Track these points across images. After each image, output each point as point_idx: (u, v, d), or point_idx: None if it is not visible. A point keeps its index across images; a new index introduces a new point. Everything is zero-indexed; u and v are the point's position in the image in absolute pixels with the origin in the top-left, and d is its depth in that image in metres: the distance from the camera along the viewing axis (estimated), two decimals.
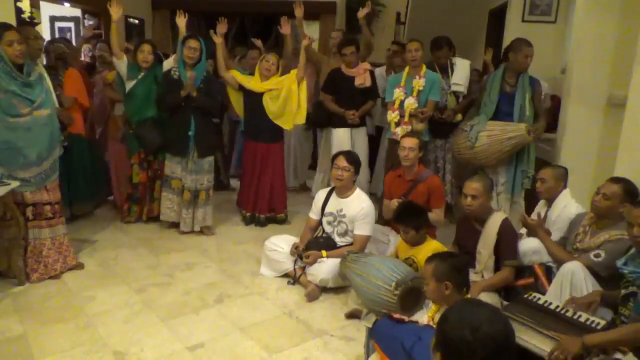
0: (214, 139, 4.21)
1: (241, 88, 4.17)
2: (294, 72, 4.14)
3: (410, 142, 3.37)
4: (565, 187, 2.99)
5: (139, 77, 3.96)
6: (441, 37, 4.27)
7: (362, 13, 4.46)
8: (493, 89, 3.71)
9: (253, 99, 4.14)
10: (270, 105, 4.11)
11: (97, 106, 4.58)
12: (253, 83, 4.13)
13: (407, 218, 2.84)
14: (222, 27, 4.24)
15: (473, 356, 1.19)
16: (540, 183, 3.00)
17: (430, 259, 2.08)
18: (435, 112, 4.20)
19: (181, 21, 4.04)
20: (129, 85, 3.97)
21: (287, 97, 4.10)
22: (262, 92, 4.11)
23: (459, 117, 4.28)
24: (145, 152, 4.05)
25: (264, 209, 4.30)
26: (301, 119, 4.25)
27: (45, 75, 3.20)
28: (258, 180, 4.24)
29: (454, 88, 4.27)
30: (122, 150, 4.40)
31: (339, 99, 4.44)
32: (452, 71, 4.28)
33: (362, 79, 4.36)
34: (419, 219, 2.86)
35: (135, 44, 4.11)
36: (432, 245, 2.83)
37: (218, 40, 4.13)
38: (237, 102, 4.30)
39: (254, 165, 4.23)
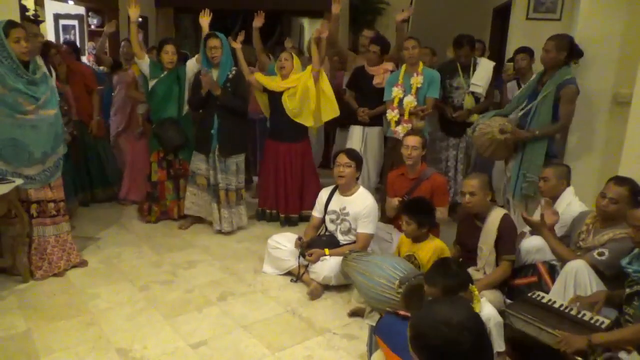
0: (239, 139, 4.06)
1: (265, 90, 4.17)
2: (309, 68, 4.09)
3: (414, 141, 3.35)
4: (568, 185, 2.98)
5: (162, 75, 3.96)
6: (463, 36, 4.20)
7: (400, 17, 4.25)
8: (527, 86, 3.51)
9: (275, 99, 4.13)
10: (288, 104, 4.08)
11: (120, 102, 4.65)
12: (274, 83, 4.12)
13: (414, 211, 2.83)
14: (258, 20, 4.21)
15: (460, 348, 1.19)
16: (543, 182, 2.98)
17: (433, 281, 2.02)
18: (448, 110, 4.18)
19: (204, 21, 3.99)
20: (152, 83, 3.98)
21: (303, 94, 4.05)
22: (282, 91, 4.09)
23: (475, 117, 4.21)
24: (164, 151, 4.06)
25: (296, 208, 4.28)
26: (333, 112, 4.15)
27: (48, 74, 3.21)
28: (284, 181, 4.21)
29: (472, 88, 4.19)
30: (139, 148, 4.48)
31: (360, 96, 4.41)
32: (474, 71, 4.22)
33: (380, 79, 4.30)
34: (425, 216, 2.85)
35: (157, 44, 4.10)
36: (435, 244, 2.82)
37: (237, 45, 4.09)
38: (264, 104, 4.29)
39: (277, 165, 4.20)
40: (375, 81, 4.31)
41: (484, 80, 4.19)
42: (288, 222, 4.27)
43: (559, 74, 3.26)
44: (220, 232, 4.01)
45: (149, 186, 4.16)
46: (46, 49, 4.11)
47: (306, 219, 4.25)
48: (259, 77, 4.17)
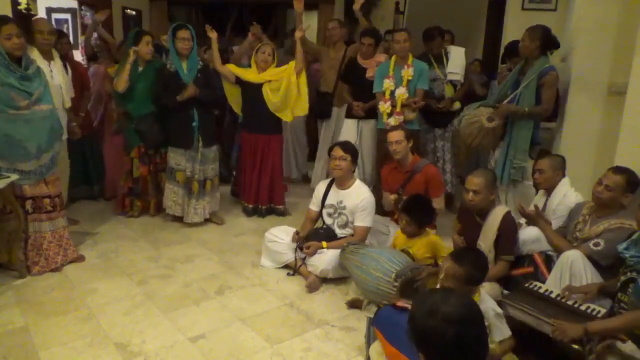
0: (214, 129, 4.18)
1: (238, 81, 4.14)
2: (292, 63, 4.09)
3: (395, 136, 3.35)
4: (564, 176, 2.99)
5: (139, 71, 3.92)
6: (433, 28, 4.25)
7: (357, 5, 4.38)
8: (510, 77, 3.60)
9: (252, 91, 4.11)
10: (271, 98, 4.08)
11: (94, 98, 4.57)
12: (250, 74, 4.10)
13: (415, 212, 2.81)
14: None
15: (444, 337, 1.24)
16: (539, 174, 2.98)
17: (461, 261, 2.01)
18: (432, 102, 4.18)
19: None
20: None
21: (287, 89, 4.07)
22: (261, 83, 4.08)
23: (457, 105, 4.26)
24: (145, 146, 4.03)
25: (265, 200, 4.31)
26: (303, 110, 4.24)
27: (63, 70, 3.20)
28: (259, 172, 4.23)
29: (450, 77, 4.25)
30: (115, 144, 4.41)
31: (354, 89, 4.40)
32: (447, 60, 4.26)
33: (373, 72, 4.27)
34: (425, 216, 2.84)
35: (133, 36, 4.00)
36: (428, 239, 2.82)
37: (213, 35, 4.05)
38: (232, 96, 4.27)
39: (255, 157, 4.21)
40: (369, 74, 4.30)
41: (459, 67, 4.26)
42: (255, 213, 4.31)
43: (538, 63, 3.39)
44: (189, 223, 4.01)
45: (131, 181, 4.10)
46: (59, 36, 4.08)
47: (276, 211, 4.34)
48: (233, 68, 4.15)
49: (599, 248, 2.45)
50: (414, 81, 3.99)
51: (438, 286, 2.09)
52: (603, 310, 2.19)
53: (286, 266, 3.30)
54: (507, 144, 3.52)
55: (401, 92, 3.94)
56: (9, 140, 2.90)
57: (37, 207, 3.11)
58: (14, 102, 2.88)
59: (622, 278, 2.18)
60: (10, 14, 3.23)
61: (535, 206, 2.92)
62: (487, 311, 2.07)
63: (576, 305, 2.24)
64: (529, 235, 2.77)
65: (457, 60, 4.26)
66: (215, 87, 4.05)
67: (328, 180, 3.43)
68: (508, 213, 2.73)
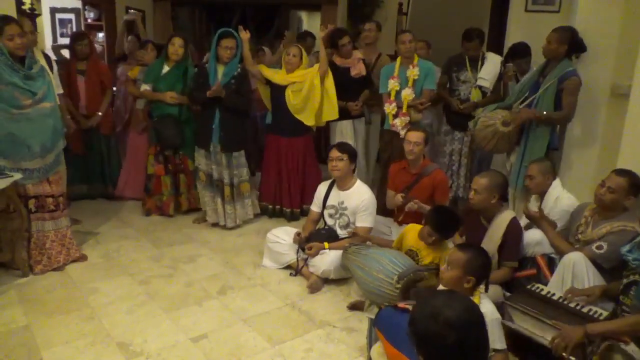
0: (240, 135, 4.04)
1: (268, 82, 4.13)
2: (316, 66, 4.06)
3: (416, 137, 3.34)
4: (554, 178, 2.97)
5: (162, 72, 3.97)
6: (473, 29, 4.18)
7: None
8: (529, 79, 3.52)
9: (278, 93, 4.10)
10: (291, 99, 4.05)
11: (121, 99, 4.63)
12: (278, 76, 4.09)
13: (443, 227, 2.73)
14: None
15: (445, 341, 1.24)
16: (529, 180, 2.96)
17: (465, 249, 2.04)
18: (455, 102, 4.16)
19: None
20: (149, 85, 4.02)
21: (309, 92, 4.02)
22: (286, 85, 4.06)
23: (480, 111, 4.21)
24: (160, 146, 4.05)
25: (297, 203, 4.26)
26: (333, 114, 4.16)
27: (47, 68, 3.19)
28: (287, 175, 4.20)
29: (479, 82, 4.16)
30: (141, 144, 4.43)
31: (339, 92, 4.37)
32: (482, 65, 4.18)
33: (357, 69, 4.32)
34: (452, 231, 2.80)
35: (169, 38, 4.08)
36: (441, 253, 2.80)
37: (245, 36, 3.98)
38: (266, 97, 4.26)
39: (279, 159, 4.18)
40: (354, 72, 4.31)
41: (491, 74, 4.16)
42: (292, 217, 4.26)
43: (560, 66, 3.28)
44: (224, 227, 4.00)
45: (147, 179, 4.16)
46: (79, 37, 4.20)
47: (307, 213, 4.27)
48: (263, 70, 4.14)
49: (601, 251, 2.45)
50: (420, 81, 3.97)
51: (439, 276, 2.10)
52: (605, 313, 2.19)
53: (288, 267, 3.31)
54: (523, 149, 3.44)
55: (407, 93, 3.93)
56: (13, 139, 2.92)
57: (40, 206, 3.12)
58: (18, 102, 2.90)
59: (625, 281, 2.18)
60: (14, 14, 3.25)
61: (540, 208, 2.92)
62: (484, 314, 2.06)
63: (578, 308, 2.23)
64: (532, 237, 2.76)
65: (490, 67, 4.16)
66: (247, 97, 3.98)
67: (329, 182, 3.43)
68: (514, 219, 2.70)
